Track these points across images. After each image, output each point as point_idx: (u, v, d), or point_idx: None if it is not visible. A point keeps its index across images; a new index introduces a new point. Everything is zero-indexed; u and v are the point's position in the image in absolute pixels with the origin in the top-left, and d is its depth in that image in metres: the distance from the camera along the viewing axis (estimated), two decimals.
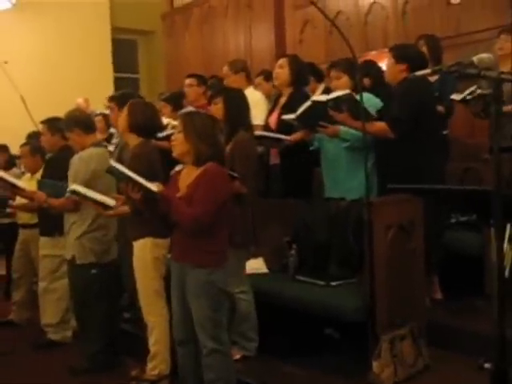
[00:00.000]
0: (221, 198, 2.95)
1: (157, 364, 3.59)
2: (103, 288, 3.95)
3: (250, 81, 5.50)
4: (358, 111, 3.54)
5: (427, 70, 1.93)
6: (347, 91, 3.77)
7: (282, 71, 4.53)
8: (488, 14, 5.66)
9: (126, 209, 3.46)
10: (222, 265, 3.01)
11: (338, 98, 3.74)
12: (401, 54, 3.98)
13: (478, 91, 3.85)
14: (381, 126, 3.83)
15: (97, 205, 3.62)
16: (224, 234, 3.05)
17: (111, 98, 4.29)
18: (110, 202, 3.53)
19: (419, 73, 2.04)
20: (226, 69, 5.45)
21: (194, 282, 2.97)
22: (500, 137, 4.15)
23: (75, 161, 3.97)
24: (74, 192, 3.65)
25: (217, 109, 3.76)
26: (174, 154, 3.10)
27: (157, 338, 3.58)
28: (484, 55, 1.90)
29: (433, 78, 4.43)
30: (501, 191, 1.47)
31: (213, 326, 2.97)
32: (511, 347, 1.74)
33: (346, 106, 3.72)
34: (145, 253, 3.53)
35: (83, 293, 3.96)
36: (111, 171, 3.22)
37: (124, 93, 4.54)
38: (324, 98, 3.85)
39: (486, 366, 2.88)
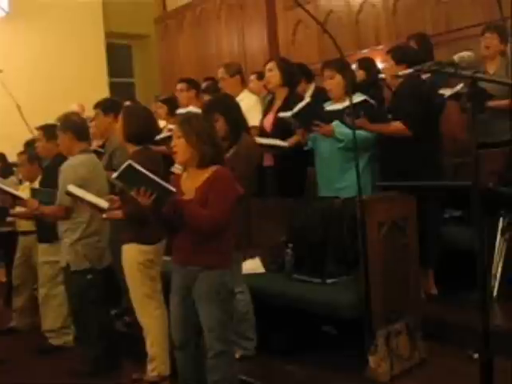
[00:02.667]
0: (233, 199, 2.95)
1: (156, 365, 3.63)
2: (99, 293, 3.98)
3: (244, 84, 5.52)
4: (374, 115, 3.59)
5: (409, 70, 1.97)
6: (363, 97, 3.83)
7: (272, 74, 4.55)
8: (477, 9, 5.70)
9: (118, 213, 3.49)
10: (229, 265, 3.00)
11: (354, 104, 3.80)
12: (400, 56, 3.99)
13: (458, 87, 3.89)
14: (397, 125, 3.93)
15: (92, 206, 3.67)
16: (229, 234, 3.02)
17: (96, 105, 4.32)
18: (104, 204, 3.57)
19: (402, 72, 2.08)
20: (221, 71, 5.42)
21: (206, 285, 2.92)
22: (485, 132, 4.16)
23: (64, 168, 3.99)
24: (69, 193, 3.71)
25: (219, 126, 3.61)
26: (178, 161, 3.07)
27: (152, 340, 3.62)
28: (464, 53, 1.94)
29: (424, 76, 4.47)
30: (479, 186, 1.51)
31: (222, 328, 2.94)
32: (497, 337, 1.78)
33: (363, 110, 3.80)
34: (130, 258, 3.57)
35: (80, 299, 3.97)
36: (124, 173, 2.95)
37: (108, 99, 4.58)
38: (340, 105, 3.88)
39: (475, 356, 2.92)
